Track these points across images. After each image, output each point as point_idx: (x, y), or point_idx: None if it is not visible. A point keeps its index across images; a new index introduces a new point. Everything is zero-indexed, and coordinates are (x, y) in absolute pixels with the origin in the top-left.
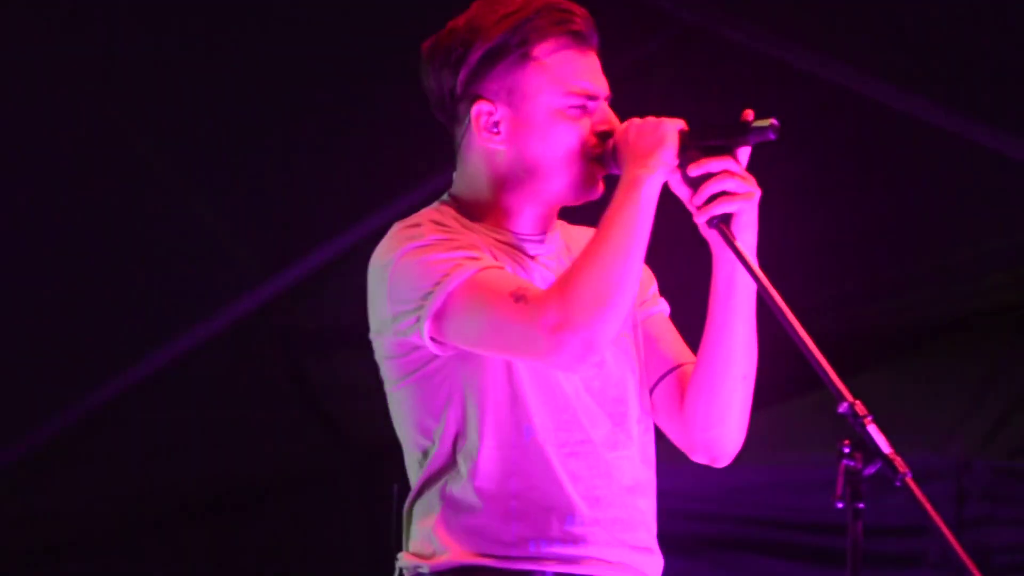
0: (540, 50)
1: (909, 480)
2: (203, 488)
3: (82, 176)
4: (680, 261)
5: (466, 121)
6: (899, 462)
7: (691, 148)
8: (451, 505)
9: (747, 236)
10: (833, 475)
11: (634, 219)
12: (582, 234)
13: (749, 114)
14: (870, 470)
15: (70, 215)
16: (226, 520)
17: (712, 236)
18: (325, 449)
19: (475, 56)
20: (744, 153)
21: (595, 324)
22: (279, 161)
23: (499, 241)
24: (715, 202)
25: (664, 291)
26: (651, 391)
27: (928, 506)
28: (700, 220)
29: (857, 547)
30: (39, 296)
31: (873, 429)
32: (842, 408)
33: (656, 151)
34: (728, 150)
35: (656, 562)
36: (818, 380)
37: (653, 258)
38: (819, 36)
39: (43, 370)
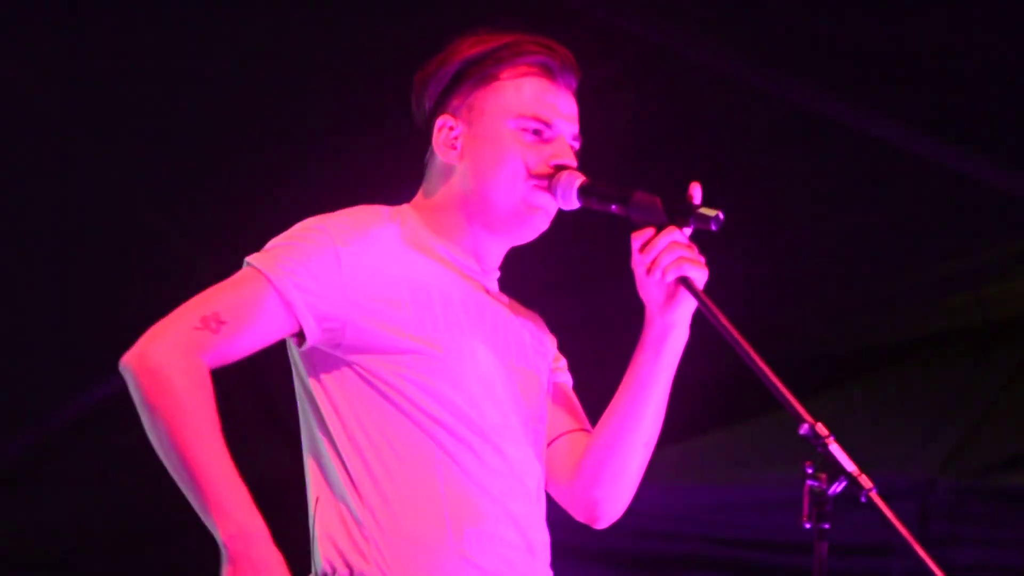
0: (506, 73)
1: (874, 495)
2: (171, 507)
3: (70, 177)
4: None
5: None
6: (863, 479)
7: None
8: None
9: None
10: (797, 494)
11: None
12: (531, 313)
13: (696, 192)
14: (835, 490)
15: (43, 223)
16: (195, 540)
17: (652, 297)
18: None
19: (447, 72)
20: (685, 235)
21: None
22: (268, 176)
23: (455, 268)
24: (673, 266)
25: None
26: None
27: (894, 519)
28: (657, 279)
29: (822, 566)
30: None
31: (835, 448)
32: (803, 430)
33: None
34: (665, 225)
35: None
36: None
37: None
38: (782, 57)
39: (11, 384)
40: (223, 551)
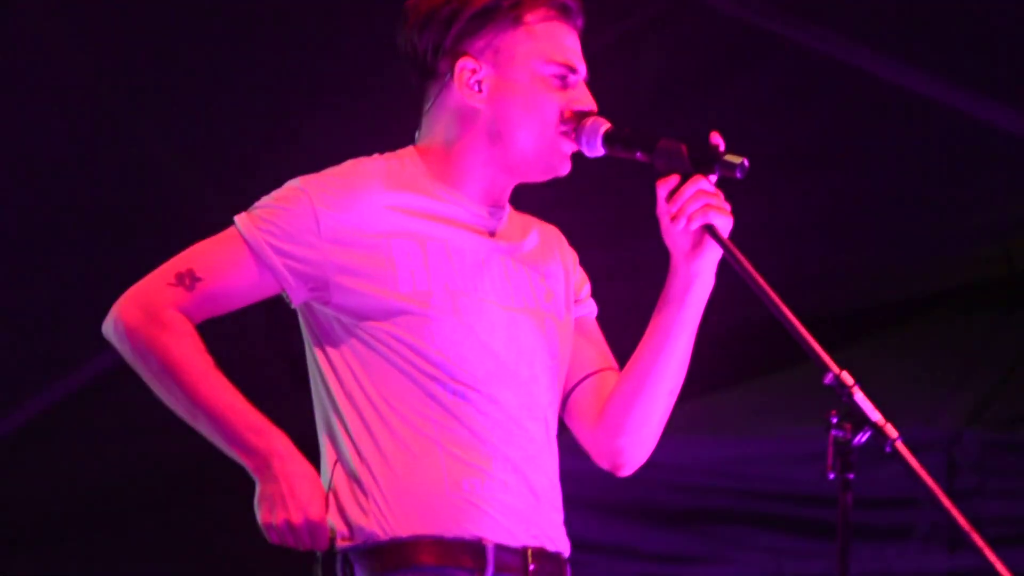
0: (531, 17)
1: (899, 445)
2: (188, 468)
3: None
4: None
5: (447, 77)
6: (889, 429)
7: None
8: None
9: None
10: (822, 447)
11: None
12: (546, 228)
13: (718, 141)
14: (859, 440)
15: (51, 196)
16: (212, 500)
17: (678, 245)
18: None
19: (468, 13)
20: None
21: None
22: (277, 147)
23: (450, 219)
24: (699, 213)
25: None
26: (569, 392)
27: (920, 470)
28: (682, 226)
29: (847, 517)
30: (15, 276)
31: (861, 398)
32: (828, 379)
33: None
34: (691, 174)
35: None
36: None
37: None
38: (807, 5)
39: (19, 351)
40: (254, 478)
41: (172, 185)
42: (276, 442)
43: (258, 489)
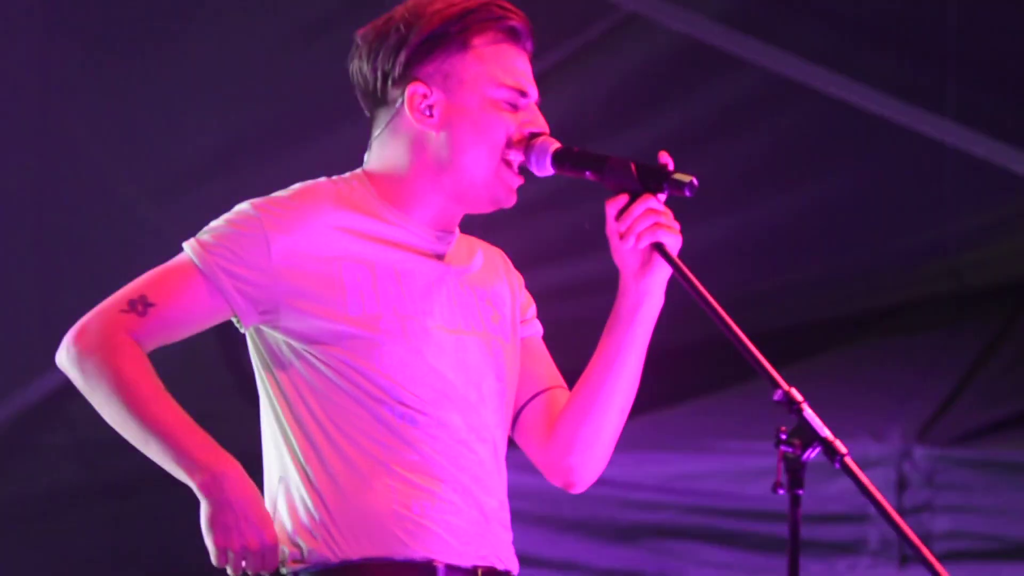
0: (479, 40)
1: (848, 460)
2: (151, 478)
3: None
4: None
5: (397, 103)
6: (838, 444)
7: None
8: None
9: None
10: (772, 463)
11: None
12: (491, 251)
13: (667, 160)
14: (809, 455)
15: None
16: (173, 511)
17: (627, 264)
18: None
19: (416, 39)
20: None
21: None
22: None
23: (399, 242)
24: (648, 232)
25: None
26: (519, 411)
27: (869, 485)
28: (631, 245)
29: (797, 532)
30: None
31: (809, 414)
32: (777, 396)
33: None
34: (640, 193)
35: None
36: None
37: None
38: (756, 23)
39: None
40: (200, 498)
41: (125, 204)
42: (226, 464)
43: (207, 512)
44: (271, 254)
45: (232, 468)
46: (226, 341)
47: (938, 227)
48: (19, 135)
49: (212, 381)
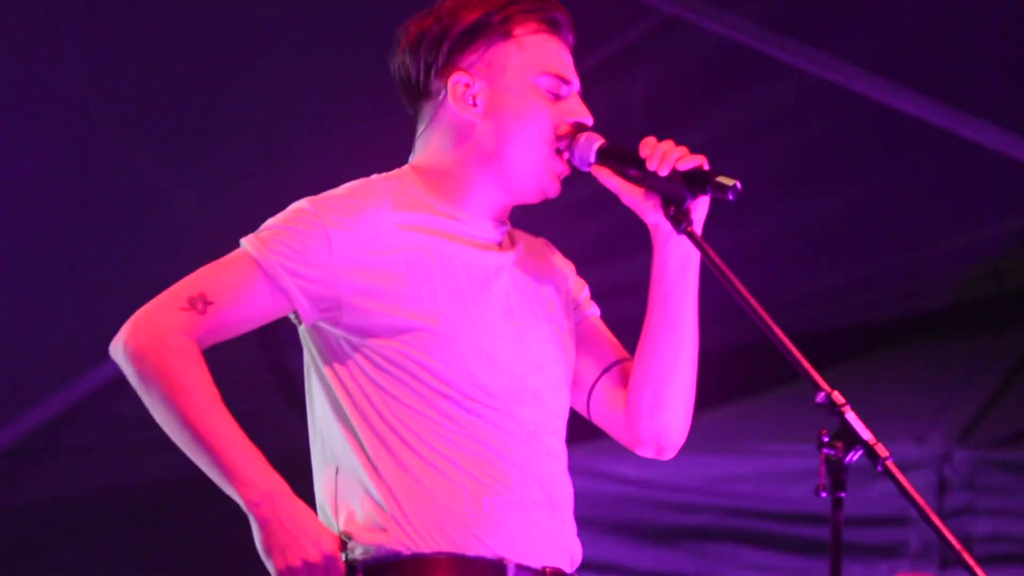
0: (520, 30)
1: (890, 464)
2: (184, 482)
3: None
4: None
5: (440, 95)
6: (880, 448)
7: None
8: None
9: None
10: (814, 466)
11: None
12: (537, 241)
13: (705, 164)
14: (851, 458)
15: (59, 207)
16: (208, 515)
17: (659, 221)
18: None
19: (457, 30)
20: (703, 205)
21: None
22: (271, 158)
23: (456, 234)
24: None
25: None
26: (591, 389)
27: (910, 489)
28: (665, 173)
29: (838, 535)
30: (23, 284)
31: (852, 417)
32: (819, 398)
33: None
34: (683, 195)
35: None
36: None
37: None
38: (798, 26)
39: (24, 360)
40: (251, 517)
41: (168, 201)
42: (276, 483)
43: (261, 536)
44: (332, 251)
45: (281, 487)
46: (266, 343)
47: (979, 230)
48: (60, 137)
49: (250, 380)
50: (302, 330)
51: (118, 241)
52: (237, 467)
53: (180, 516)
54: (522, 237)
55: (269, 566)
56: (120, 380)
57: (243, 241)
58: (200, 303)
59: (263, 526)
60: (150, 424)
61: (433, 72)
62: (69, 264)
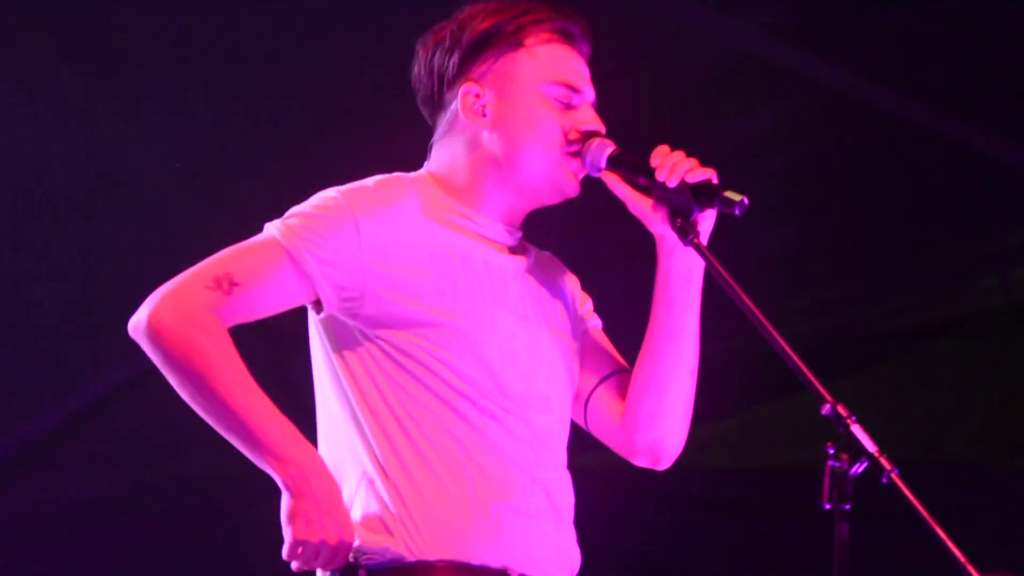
0: (531, 40)
1: (896, 477)
2: (203, 484)
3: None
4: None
5: (453, 105)
6: (885, 460)
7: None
8: None
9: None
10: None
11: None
12: (543, 253)
13: (714, 177)
14: (856, 470)
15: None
16: (229, 516)
17: (665, 232)
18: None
19: (468, 40)
20: (710, 218)
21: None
22: (270, 157)
23: (477, 234)
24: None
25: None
26: (588, 398)
27: (916, 502)
28: (675, 184)
29: (843, 548)
30: (42, 285)
31: (857, 429)
32: (825, 410)
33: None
34: (690, 207)
35: None
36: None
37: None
38: (809, 36)
39: (42, 360)
40: (284, 489)
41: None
42: (312, 459)
43: (290, 505)
44: (360, 241)
45: (318, 463)
46: (269, 338)
47: (988, 243)
48: (69, 147)
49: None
50: (314, 320)
51: (125, 254)
52: (272, 442)
53: (191, 519)
54: (531, 247)
55: (286, 531)
56: (119, 385)
57: (268, 226)
58: (226, 283)
59: (296, 496)
60: (164, 427)
61: (445, 83)
62: (70, 275)
